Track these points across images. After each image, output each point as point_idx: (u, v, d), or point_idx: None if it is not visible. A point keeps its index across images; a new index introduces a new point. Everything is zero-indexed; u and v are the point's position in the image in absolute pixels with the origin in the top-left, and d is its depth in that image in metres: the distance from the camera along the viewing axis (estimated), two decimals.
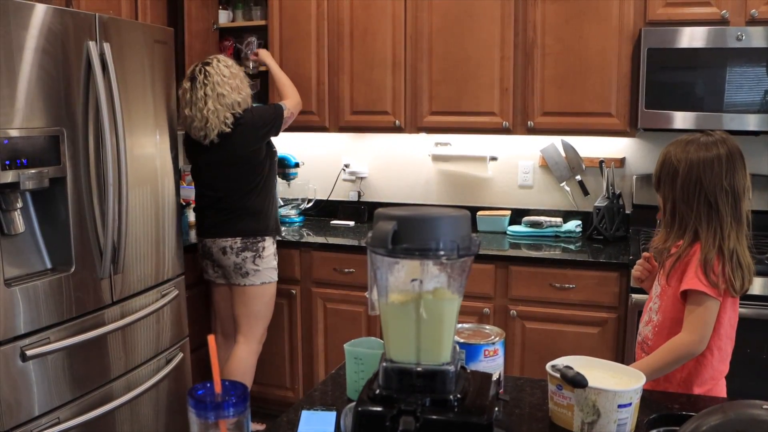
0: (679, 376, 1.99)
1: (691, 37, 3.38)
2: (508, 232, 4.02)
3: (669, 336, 1.98)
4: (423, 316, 1.18)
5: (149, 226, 3.03)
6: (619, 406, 1.51)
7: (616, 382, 1.60)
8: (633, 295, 3.26)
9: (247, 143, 3.42)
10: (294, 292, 3.91)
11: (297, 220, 4.47)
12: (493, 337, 1.54)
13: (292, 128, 4.22)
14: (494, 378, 1.47)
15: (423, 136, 4.16)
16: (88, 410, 2.67)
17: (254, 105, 3.59)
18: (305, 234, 4.13)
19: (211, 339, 1.20)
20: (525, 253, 3.60)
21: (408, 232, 1.15)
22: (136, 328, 2.95)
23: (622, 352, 3.37)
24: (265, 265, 3.51)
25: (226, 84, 3.32)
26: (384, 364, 1.23)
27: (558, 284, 3.43)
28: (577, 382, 1.44)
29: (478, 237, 1.19)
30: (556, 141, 4.03)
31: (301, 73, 4.11)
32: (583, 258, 3.48)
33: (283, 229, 4.26)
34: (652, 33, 3.43)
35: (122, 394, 2.86)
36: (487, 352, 1.51)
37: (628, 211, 3.96)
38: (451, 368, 1.20)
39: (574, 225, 3.95)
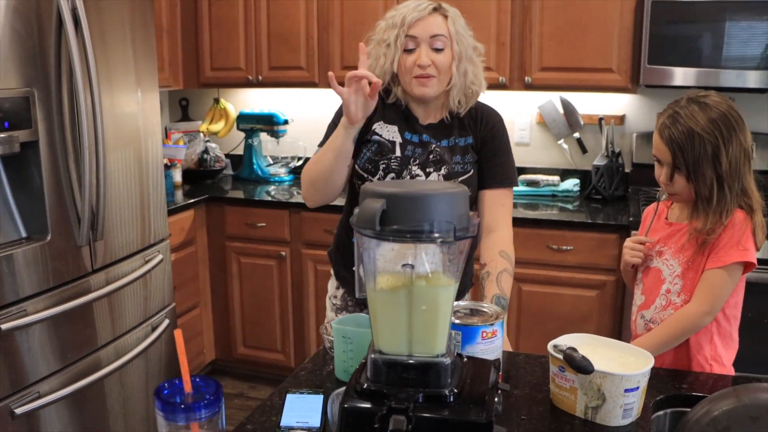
0: (709, 354, 1.89)
1: None
2: None
3: None
4: (416, 303, 1.07)
5: (132, 190, 2.90)
6: (626, 391, 1.41)
7: (622, 363, 1.50)
8: None
9: None
10: (284, 253, 3.80)
11: (287, 179, 4.34)
12: (491, 317, 1.43)
13: (280, 84, 4.08)
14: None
15: None
16: (77, 379, 2.58)
17: None
18: (295, 193, 4.01)
19: (177, 334, 1.08)
20: (522, 213, 3.48)
21: (398, 211, 1.03)
22: (122, 295, 2.84)
23: (620, 315, 3.29)
24: None
25: None
26: (372, 355, 1.12)
27: (556, 246, 3.32)
28: (582, 368, 1.34)
29: (477, 216, 1.07)
30: (554, 97, 3.90)
31: (289, 27, 3.95)
32: (582, 218, 3.38)
33: (272, 188, 4.14)
34: None
35: (111, 362, 2.77)
36: (485, 334, 1.40)
37: (627, 170, 3.84)
38: (447, 360, 1.10)
39: (572, 184, 3.84)
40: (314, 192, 2.07)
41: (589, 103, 3.88)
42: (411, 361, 1.10)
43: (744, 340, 2.00)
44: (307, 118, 4.40)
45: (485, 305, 1.50)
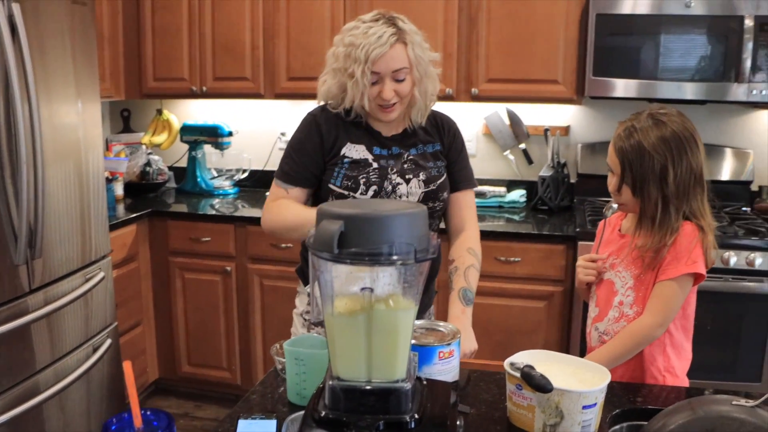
0: (661, 365, 1.90)
1: (640, 3, 3.27)
2: None
3: None
4: (375, 328, 1.03)
5: (72, 205, 2.80)
6: (584, 407, 1.39)
7: (579, 379, 1.49)
8: None
9: None
10: (229, 268, 3.72)
11: (231, 192, 4.26)
12: (447, 336, 1.41)
13: (224, 95, 4.02)
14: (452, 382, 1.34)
15: None
16: (13, 406, 2.45)
17: None
18: (240, 206, 3.94)
19: (127, 366, 1.03)
20: None
21: (357, 233, 1.00)
22: (61, 316, 2.74)
23: (568, 326, 3.31)
24: None
25: None
26: (330, 382, 1.08)
27: (503, 257, 3.33)
28: (541, 386, 1.32)
29: (437, 236, 1.04)
30: (500, 109, 3.91)
31: (234, 37, 3.88)
32: (529, 229, 3.39)
33: (216, 201, 4.07)
34: None
35: (50, 386, 2.66)
36: (442, 354, 1.37)
37: (572, 181, 3.88)
38: (407, 385, 1.06)
39: (518, 195, 3.85)
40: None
41: (535, 114, 3.91)
42: (370, 388, 1.06)
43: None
44: (252, 130, 4.34)
45: (441, 324, 1.47)
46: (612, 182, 1.94)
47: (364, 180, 2.04)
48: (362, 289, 1.04)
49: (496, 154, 4.02)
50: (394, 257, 1.00)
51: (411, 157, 2.11)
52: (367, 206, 1.06)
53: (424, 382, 1.17)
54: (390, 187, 2.05)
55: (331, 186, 2.06)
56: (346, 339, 1.07)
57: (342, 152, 2.07)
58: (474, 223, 2.24)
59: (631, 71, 3.35)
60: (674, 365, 1.91)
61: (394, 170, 2.07)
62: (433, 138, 2.17)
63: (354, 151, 2.07)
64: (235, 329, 3.79)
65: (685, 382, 1.92)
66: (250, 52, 3.89)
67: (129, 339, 3.60)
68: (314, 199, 2.16)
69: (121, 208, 3.82)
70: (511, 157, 3.97)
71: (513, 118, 3.89)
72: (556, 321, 3.33)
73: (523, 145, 3.93)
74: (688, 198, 1.84)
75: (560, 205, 3.73)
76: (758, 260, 3.02)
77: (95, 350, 2.95)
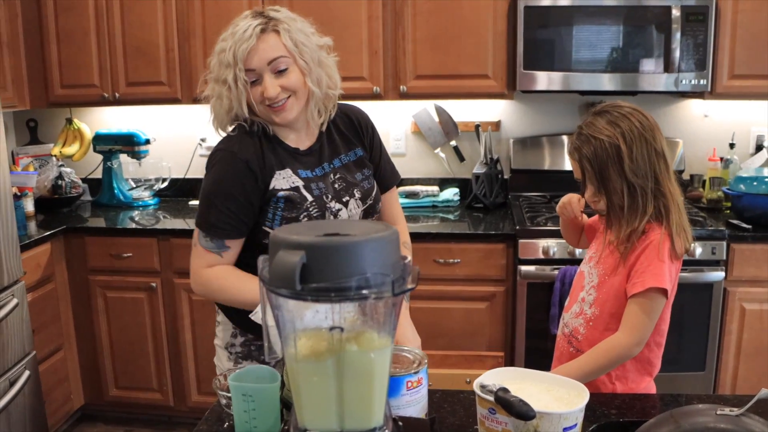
0: (614, 373, 1.81)
1: None
2: None
3: (604, 332, 1.79)
4: (346, 372, 0.90)
5: None
6: (565, 429, 1.29)
7: (554, 397, 1.39)
8: (521, 267, 3.12)
9: None
10: (154, 284, 3.50)
11: (152, 202, 4.03)
12: (414, 363, 1.28)
13: (139, 101, 3.79)
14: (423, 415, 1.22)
15: None
16: None
17: None
18: (162, 218, 3.73)
19: None
20: None
21: (321, 265, 0.86)
22: None
23: (512, 326, 3.23)
24: None
25: None
26: None
27: (442, 260, 3.23)
28: (523, 413, 1.21)
29: (411, 263, 0.91)
30: (428, 106, 3.81)
31: (147, 38, 3.66)
32: (466, 229, 3.31)
33: (136, 213, 3.84)
34: None
35: None
36: (410, 384, 1.25)
37: (506, 177, 3.81)
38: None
39: (452, 194, 3.76)
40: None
41: (464, 110, 3.83)
42: None
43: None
44: (170, 136, 4.11)
45: (405, 348, 1.34)
46: (586, 190, 1.86)
47: (305, 218, 1.85)
48: (330, 328, 0.90)
49: (427, 153, 3.93)
50: (366, 292, 0.86)
51: (338, 173, 1.92)
52: (328, 229, 0.92)
53: (400, 423, 1.04)
54: (331, 217, 1.87)
55: (266, 228, 1.84)
56: (313, 386, 0.93)
57: (272, 186, 1.83)
58: (402, 216, 2.17)
59: (561, 64, 3.30)
60: (628, 376, 1.83)
61: (329, 196, 1.88)
62: (353, 142, 1.98)
63: (282, 180, 1.85)
64: (164, 348, 3.58)
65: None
66: (165, 55, 3.67)
67: (50, 366, 3.35)
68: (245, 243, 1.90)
69: (32, 226, 3.55)
70: (442, 155, 3.88)
71: (442, 114, 3.79)
72: (500, 321, 3.26)
73: (453, 142, 3.84)
74: (653, 174, 1.76)
75: (495, 202, 3.66)
76: (698, 250, 3.01)
77: (12, 384, 2.71)
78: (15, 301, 2.74)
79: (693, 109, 3.70)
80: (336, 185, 1.90)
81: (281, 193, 1.83)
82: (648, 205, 1.76)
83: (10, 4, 3.54)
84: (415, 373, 1.25)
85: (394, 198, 2.13)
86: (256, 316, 1.56)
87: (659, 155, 1.77)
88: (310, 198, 1.85)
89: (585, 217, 2.13)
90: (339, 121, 1.98)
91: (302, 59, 1.78)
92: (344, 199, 1.90)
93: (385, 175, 2.07)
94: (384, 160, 2.07)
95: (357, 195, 1.92)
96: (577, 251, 3.01)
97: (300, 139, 1.92)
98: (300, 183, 1.86)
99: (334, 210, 1.87)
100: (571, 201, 2.07)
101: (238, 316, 1.91)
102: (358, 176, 1.95)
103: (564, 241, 2.26)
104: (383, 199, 2.07)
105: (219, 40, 1.81)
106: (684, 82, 3.24)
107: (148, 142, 3.98)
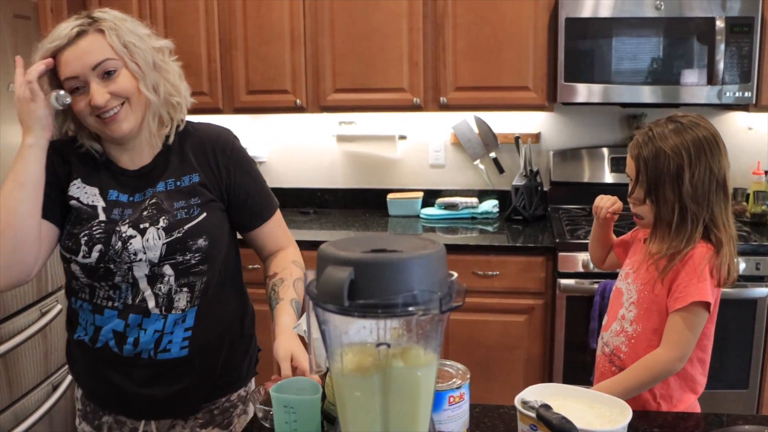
0: (658, 391, 1.79)
1: (610, 6, 3.20)
2: (421, 216, 3.79)
3: (647, 348, 1.76)
4: (392, 388, 0.90)
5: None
6: None
7: (597, 414, 1.38)
8: (560, 280, 3.09)
9: None
10: None
11: None
12: (457, 379, 1.28)
13: None
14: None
15: (326, 115, 3.86)
16: None
17: None
18: None
19: None
20: (443, 238, 3.36)
21: (369, 281, 0.86)
22: (18, 354, 2.56)
23: (551, 339, 3.20)
24: None
25: None
26: None
27: (481, 272, 3.21)
28: (565, 431, 1.20)
29: (459, 282, 0.91)
30: (468, 117, 3.81)
31: (189, 50, 3.70)
32: (505, 241, 3.29)
33: None
34: (570, 1, 3.22)
35: (10, 429, 2.48)
36: (452, 399, 1.25)
37: (545, 189, 3.79)
38: None
39: (491, 205, 3.75)
40: None
41: (504, 122, 3.81)
42: None
43: None
44: None
45: (447, 362, 1.34)
46: (630, 187, 1.84)
47: (85, 239, 1.59)
48: (377, 344, 0.90)
49: (466, 164, 3.92)
50: (413, 309, 0.86)
51: (154, 198, 1.65)
52: (376, 245, 0.92)
53: None
54: (119, 244, 1.59)
55: (64, 252, 1.64)
56: (358, 401, 0.93)
57: (69, 190, 1.64)
58: (290, 238, 1.87)
59: (602, 76, 3.27)
60: (672, 394, 1.80)
61: (126, 220, 1.62)
62: (194, 166, 1.70)
63: (84, 193, 1.64)
64: None
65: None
66: (207, 66, 3.72)
67: None
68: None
69: None
70: (482, 166, 3.87)
71: (482, 126, 3.78)
72: (539, 335, 3.23)
73: (493, 154, 3.83)
74: (709, 205, 1.73)
75: (534, 215, 3.63)
76: (741, 265, 2.96)
77: (55, 388, 2.76)
78: (59, 307, 2.79)
79: (737, 121, 3.65)
80: (146, 211, 1.64)
81: (73, 202, 1.64)
82: (696, 233, 1.73)
83: (57, 16, 3.62)
84: (458, 388, 1.25)
85: (275, 225, 1.83)
86: (299, 329, 1.56)
87: (720, 186, 1.74)
88: (101, 217, 1.63)
89: (613, 236, 2.11)
90: (188, 141, 1.73)
91: (133, 62, 1.58)
92: (142, 226, 1.61)
93: (257, 207, 1.78)
94: (253, 191, 1.77)
95: (161, 224, 1.62)
96: None
97: (133, 159, 1.69)
98: (101, 203, 1.65)
99: (124, 236, 1.60)
100: (606, 202, 2.03)
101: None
102: (176, 204, 1.66)
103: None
104: (263, 232, 1.81)
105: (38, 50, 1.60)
106: (728, 94, 3.19)
107: None
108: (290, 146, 4.09)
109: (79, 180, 1.65)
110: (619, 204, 2.02)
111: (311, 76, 3.61)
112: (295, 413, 1.39)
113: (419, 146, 3.96)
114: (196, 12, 3.65)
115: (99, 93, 1.54)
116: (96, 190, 1.65)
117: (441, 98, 3.50)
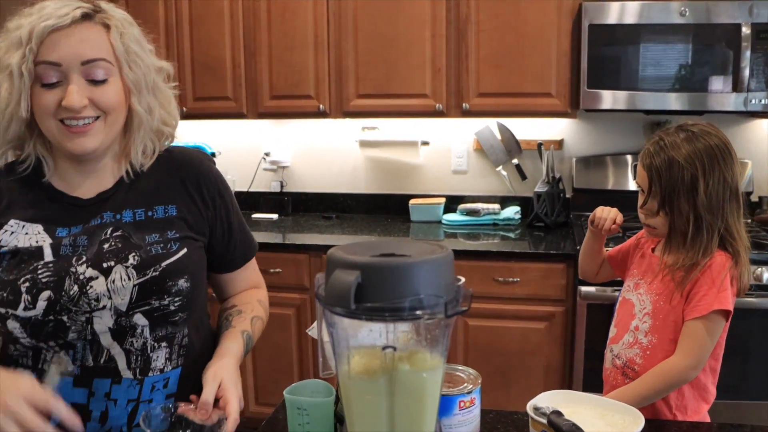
0: (674, 402, 1.77)
1: (634, 13, 3.18)
2: (443, 222, 3.79)
3: (665, 359, 1.75)
4: (398, 391, 0.91)
5: None
6: None
7: (609, 422, 1.37)
8: (581, 288, 3.07)
9: None
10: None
11: None
12: (468, 384, 1.29)
13: (206, 116, 3.89)
14: None
15: (349, 121, 3.88)
16: None
17: None
18: None
19: None
20: (464, 244, 3.36)
21: (376, 284, 0.87)
22: None
23: (571, 347, 3.19)
24: None
25: None
26: None
27: (502, 278, 3.21)
28: None
29: (465, 286, 0.92)
30: (490, 123, 3.81)
31: (214, 55, 3.75)
32: (526, 248, 3.28)
33: None
34: (593, 7, 3.21)
35: None
36: (462, 404, 1.25)
37: (568, 196, 3.77)
38: None
39: (513, 212, 3.74)
40: None
41: (526, 128, 3.81)
42: None
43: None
44: (235, 150, 4.20)
45: (459, 367, 1.34)
46: (640, 199, 1.82)
47: (27, 285, 1.28)
48: (384, 347, 0.91)
49: (489, 170, 3.92)
50: (419, 312, 0.87)
51: (119, 230, 1.37)
52: (384, 249, 0.93)
53: None
54: (75, 288, 1.30)
55: None
56: (365, 403, 0.94)
57: (2, 233, 1.33)
58: (263, 281, 1.67)
59: (626, 83, 3.26)
60: (687, 405, 1.78)
61: (83, 258, 1.33)
62: (172, 196, 1.45)
63: (23, 233, 1.34)
64: None
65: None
66: (231, 71, 3.76)
67: None
68: None
69: None
70: (504, 172, 3.87)
71: (504, 132, 3.78)
72: (558, 342, 3.22)
73: (515, 160, 3.83)
74: (723, 214, 1.72)
75: (557, 221, 3.62)
76: (765, 275, 2.93)
77: None
78: None
79: (763, 129, 3.61)
80: (106, 245, 1.35)
81: (5, 249, 1.33)
82: (712, 243, 1.71)
83: None
84: (468, 393, 1.25)
85: (253, 267, 1.64)
86: (313, 332, 1.57)
87: (733, 195, 1.73)
88: (48, 258, 1.32)
89: (605, 249, 2.10)
90: (161, 165, 1.47)
91: (132, 71, 1.35)
92: (106, 265, 1.33)
93: (240, 246, 1.57)
94: (236, 229, 1.56)
95: (131, 261, 1.34)
96: None
97: (88, 186, 1.41)
98: (49, 241, 1.34)
99: (82, 278, 1.31)
100: (609, 214, 1.98)
101: None
102: (148, 238, 1.38)
103: None
104: (240, 274, 1.60)
105: (17, 17, 1.31)
106: (753, 101, 3.16)
107: (213, 155, 4.07)
108: (313, 151, 4.12)
109: (13, 220, 1.35)
110: (621, 215, 1.98)
111: (334, 82, 3.64)
112: (308, 415, 1.41)
113: (442, 152, 3.97)
114: (221, 17, 3.70)
115: (77, 93, 1.27)
116: (39, 227, 1.35)
117: (464, 104, 3.50)
